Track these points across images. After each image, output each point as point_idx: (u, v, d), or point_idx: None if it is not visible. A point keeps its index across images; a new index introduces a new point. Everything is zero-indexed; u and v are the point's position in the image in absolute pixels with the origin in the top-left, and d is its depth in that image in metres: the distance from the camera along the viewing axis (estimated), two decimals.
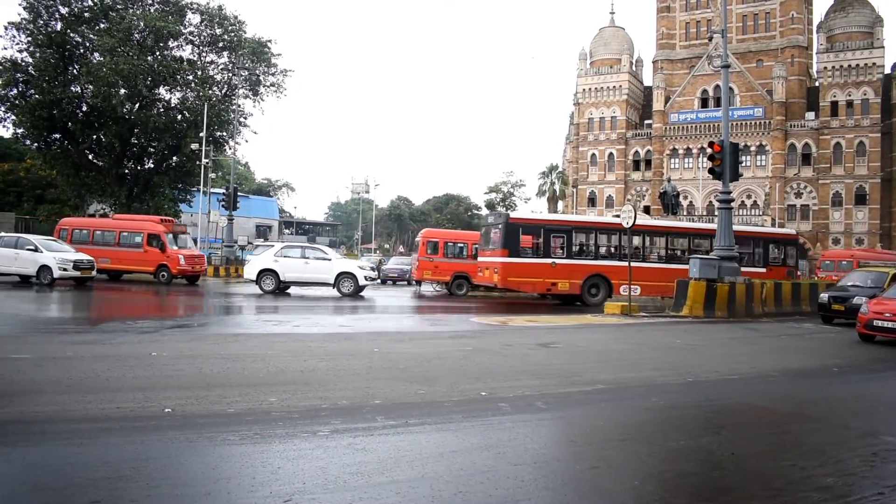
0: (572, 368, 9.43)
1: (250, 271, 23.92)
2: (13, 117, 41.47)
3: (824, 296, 18.34)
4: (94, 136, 44.56)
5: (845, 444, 5.97)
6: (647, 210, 69.14)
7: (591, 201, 76.05)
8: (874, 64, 63.44)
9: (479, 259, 25.27)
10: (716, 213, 27.59)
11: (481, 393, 7.37)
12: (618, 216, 22.56)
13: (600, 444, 5.66)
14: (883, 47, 63.45)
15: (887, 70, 64.98)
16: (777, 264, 25.85)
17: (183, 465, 4.71)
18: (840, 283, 19.35)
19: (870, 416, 7.34)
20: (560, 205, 78.69)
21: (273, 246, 25.21)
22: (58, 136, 43.75)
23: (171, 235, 27.99)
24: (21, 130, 42.73)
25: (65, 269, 22.63)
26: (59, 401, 6.27)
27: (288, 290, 24.40)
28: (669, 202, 49.11)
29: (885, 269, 19.64)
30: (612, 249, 24.16)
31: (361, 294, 24.00)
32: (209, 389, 6.99)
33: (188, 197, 49.69)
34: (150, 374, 7.78)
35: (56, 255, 22.91)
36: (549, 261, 23.06)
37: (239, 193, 45.05)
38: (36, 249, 22.92)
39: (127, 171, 46.61)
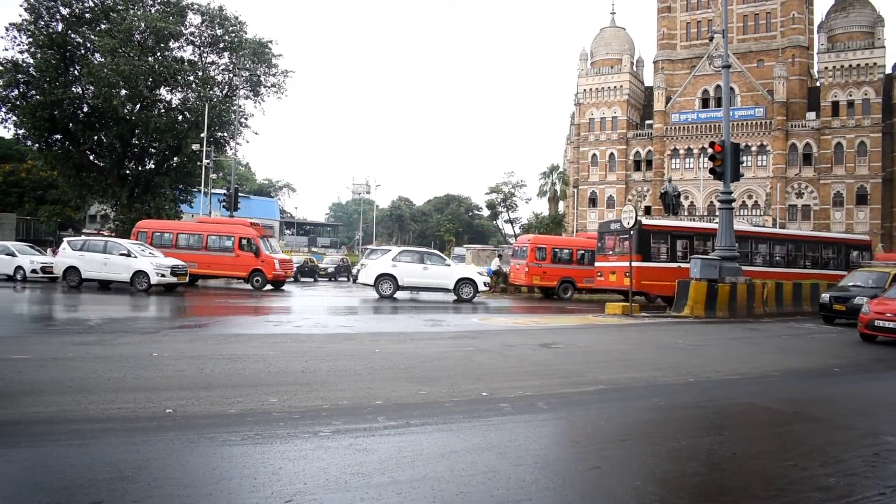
0: (573, 369, 9.43)
1: (367, 275, 23.86)
2: (14, 118, 41.50)
3: (825, 296, 18.34)
4: (95, 137, 44.57)
5: (847, 444, 5.96)
6: (647, 210, 69.12)
7: (592, 201, 76.03)
8: (875, 64, 63.39)
9: (599, 264, 26.08)
10: (717, 213, 27.78)
11: (482, 393, 7.36)
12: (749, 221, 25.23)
13: (602, 445, 5.65)
14: (884, 47, 63.41)
15: (888, 70, 64.92)
16: (855, 267, 27.14)
17: (184, 465, 4.71)
18: (841, 283, 19.35)
19: (871, 416, 7.33)
20: (561, 205, 78.72)
21: (390, 250, 25.32)
22: (59, 136, 43.77)
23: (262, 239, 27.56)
24: (22, 131, 42.77)
25: (163, 276, 22.06)
26: (60, 401, 6.27)
27: (395, 295, 23.95)
28: (670, 202, 49.10)
29: (886, 269, 19.62)
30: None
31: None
32: (210, 390, 7.00)
33: (189, 198, 49.72)
34: (151, 374, 7.78)
35: (153, 260, 22.41)
36: (675, 265, 23.92)
37: (240, 194, 45.08)
38: (129, 254, 22.29)
39: (128, 171, 46.64)
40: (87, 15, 42.12)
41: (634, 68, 76.55)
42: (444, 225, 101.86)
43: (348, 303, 23.11)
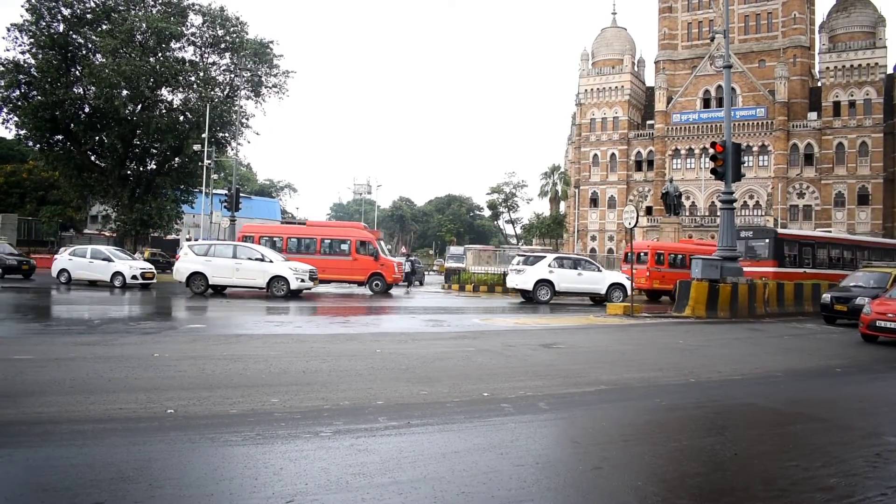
0: (575, 369, 9.42)
1: (525, 281, 24.19)
2: (16, 119, 41.53)
3: (827, 296, 18.31)
4: (97, 138, 44.59)
5: (848, 444, 5.96)
6: (649, 211, 69.12)
7: (594, 202, 76.03)
8: (876, 64, 63.34)
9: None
10: (718, 213, 27.91)
11: (484, 394, 7.36)
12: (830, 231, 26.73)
13: (603, 445, 5.65)
14: (885, 47, 63.37)
15: (890, 70, 64.88)
16: None
17: (185, 465, 4.71)
18: (843, 284, 19.32)
19: (873, 417, 7.32)
20: (562, 205, 78.68)
21: (544, 257, 25.58)
22: (60, 137, 43.79)
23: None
24: (23, 132, 42.80)
25: (302, 281, 21.90)
26: (61, 402, 6.28)
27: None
28: (672, 203, 49.19)
29: (887, 269, 19.59)
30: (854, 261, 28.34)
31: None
32: (211, 390, 7.00)
33: (190, 198, 49.73)
34: (153, 374, 7.79)
35: (292, 265, 22.20)
36: (801, 270, 26.55)
37: (241, 194, 45.05)
38: (263, 259, 22.03)
39: (129, 172, 46.66)
40: (88, 15, 42.16)
41: (636, 68, 76.54)
42: (445, 225, 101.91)
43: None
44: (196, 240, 36.64)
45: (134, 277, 24.93)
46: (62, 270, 25.88)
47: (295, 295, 22.21)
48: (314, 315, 18.13)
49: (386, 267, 26.35)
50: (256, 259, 22.02)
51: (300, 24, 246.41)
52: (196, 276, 21.72)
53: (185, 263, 22.27)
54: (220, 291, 22.77)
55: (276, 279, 21.48)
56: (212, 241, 28.30)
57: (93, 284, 25.71)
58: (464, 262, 49.67)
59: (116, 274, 25.02)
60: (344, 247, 26.92)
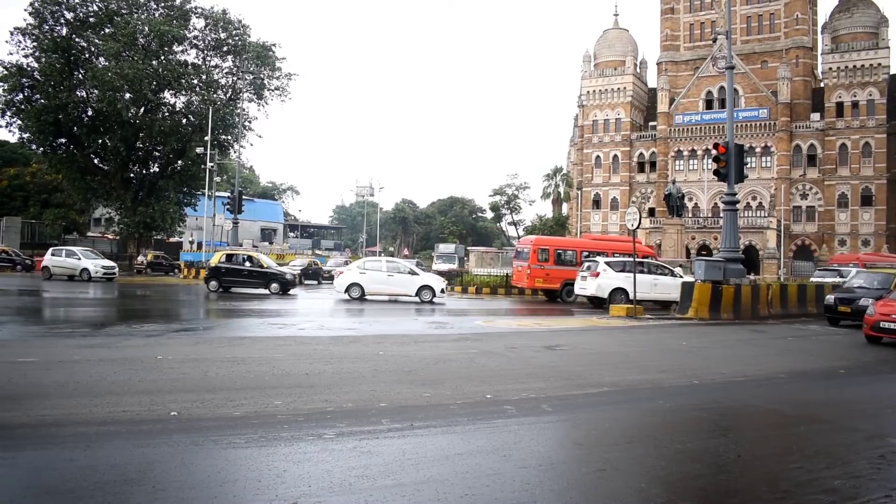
0: (578, 371, 9.42)
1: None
2: (19, 122, 41.69)
3: (830, 297, 18.25)
4: (100, 141, 44.73)
5: (852, 446, 5.94)
6: (651, 212, 69.04)
7: (596, 203, 76.00)
8: (879, 64, 63.23)
9: None
10: (721, 214, 27.84)
11: (486, 396, 7.36)
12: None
13: (606, 447, 5.65)
14: (888, 48, 63.25)
15: (893, 70, 64.72)
16: None
17: (189, 468, 4.72)
18: (846, 285, 19.27)
19: (877, 418, 7.31)
20: (564, 207, 78.63)
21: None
22: (63, 140, 43.93)
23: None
24: (27, 135, 42.96)
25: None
26: (65, 404, 6.29)
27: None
28: (674, 204, 49.10)
29: (891, 270, 19.55)
30: None
31: None
32: (214, 392, 7.01)
33: (193, 201, 49.83)
34: (156, 377, 7.80)
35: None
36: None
37: (244, 197, 45.11)
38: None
39: (132, 175, 46.79)
40: (91, 19, 42.30)
41: (638, 70, 76.51)
42: (447, 227, 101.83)
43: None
44: (197, 243, 37.97)
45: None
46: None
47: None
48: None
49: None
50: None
51: (302, 26, 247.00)
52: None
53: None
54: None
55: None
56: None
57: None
58: (454, 263, 47.99)
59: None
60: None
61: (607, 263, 24.04)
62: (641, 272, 22.30)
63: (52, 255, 32.55)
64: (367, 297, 24.32)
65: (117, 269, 33.32)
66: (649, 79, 79.09)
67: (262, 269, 26.85)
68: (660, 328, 16.60)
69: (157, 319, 16.23)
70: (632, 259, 23.35)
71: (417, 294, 24.18)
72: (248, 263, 27.16)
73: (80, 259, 31.83)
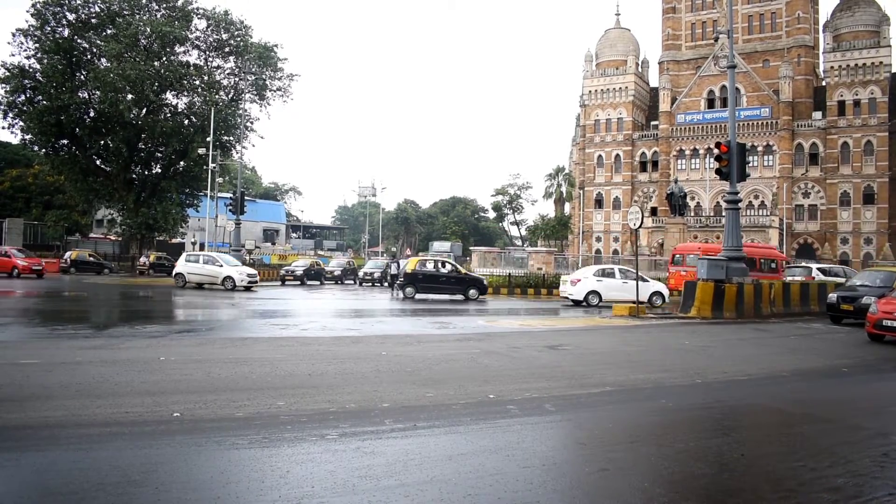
0: (580, 370, 9.41)
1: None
2: (21, 123, 41.71)
3: (833, 296, 18.23)
4: (102, 142, 44.77)
5: (856, 444, 5.93)
6: (654, 212, 68.99)
7: (598, 203, 75.96)
8: (881, 63, 63.18)
9: None
10: (723, 213, 27.82)
11: (489, 395, 7.35)
12: None
13: (609, 446, 5.64)
14: (890, 46, 63.21)
15: (894, 69, 64.67)
16: None
17: (192, 469, 4.72)
18: (849, 283, 19.24)
19: (880, 417, 7.30)
20: (567, 207, 78.60)
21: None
22: (65, 141, 43.96)
23: None
24: (29, 136, 42.98)
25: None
26: (68, 406, 6.29)
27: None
28: (677, 203, 49.07)
29: (893, 268, 19.51)
30: None
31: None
32: (217, 393, 7.01)
33: (195, 201, 49.84)
34: (158, 378, 7.80)
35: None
36: None
37: (246, 198, 45.13)
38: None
39: (134, 176, 46.81)
40: (93, 20, 42.34)
41: (639, 69, 76.51)
42: (449, 227, 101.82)
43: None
44: (199, 244, 37.93)
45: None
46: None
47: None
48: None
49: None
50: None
51: (304, 27, 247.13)
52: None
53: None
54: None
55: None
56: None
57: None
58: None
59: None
60: (773, 265, 29.55)
61: (592, 273, 26.21)
62: (612, 278, 25.62)
63: (187, 260, 31.05)
64: None
65: (258, 277, 32.17)
66: (651, 78, 79.11)
67: (460, 275, 27.60)
68: (662, 327, 16.58)
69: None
70: (606, 267, 27.57)
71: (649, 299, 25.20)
72: (444, 269, 27.54)
73: (221, 266, 30.14)
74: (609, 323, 17.47)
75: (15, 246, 39.01)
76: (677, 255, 32.40)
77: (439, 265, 27.97)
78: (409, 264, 28.24)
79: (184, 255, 32.80)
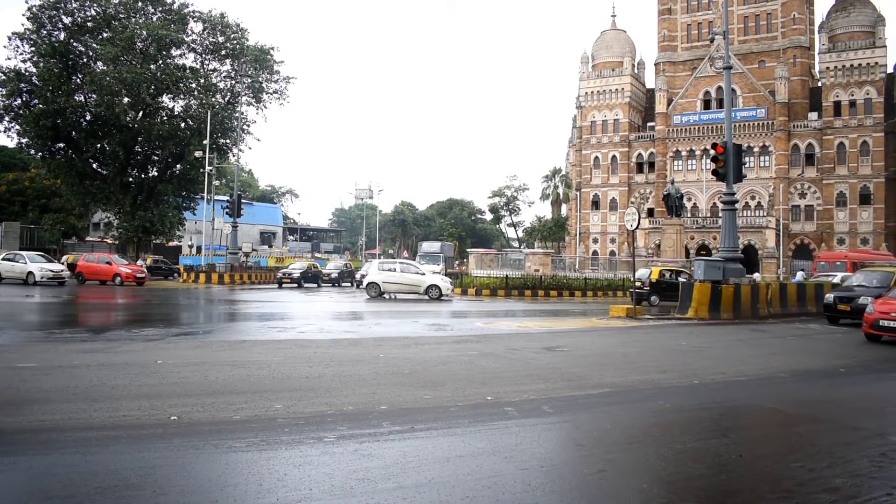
0: (578, 372, 9.41)
1: None
2: (17, 127, 41.68)
3: (830, 296, 18.27)
4: (98, 145, 44.73)
5: (854, 444, 5.94)
6: (651, 213, 69.09)
7: (595, 204, 76.03)
8: (876, 63, 63.36)
9: None
10: (720, 214, 27.88)
11: (487, 397, 7.35)
12: None
13: (607, 448, 5.64)
14: (885, 46, 63.40)
15: (890, 69, 64.90)
16: None
17: (189, 472, 4.71)
18: (845, 284, 19.27)
19: (878, 417, 7.31)
20: (563, 208, 78.68)
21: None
22: (62, 145, 43.91)
23: None
24: (25, 140, 42.95)
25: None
26: (65, 409, 6.27)
27: None
28: (673, 204, 49.20)
29: (890, 268, 19.55)
30: None
31: None
32: (215, 396, 7.00)
33: (192, 204, 49.79)
34: (156, 381, 7.78)
35: None
36: None
37: (243, 200, 45.16)
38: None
39: (131, 179, 46.76)
40: (89, 23, 42.30)
41: (636, 70, 76.60)
42: (447, 229, 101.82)
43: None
44: (196, 247, 38.29)
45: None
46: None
47: None
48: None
49: None
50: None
51: (300, 29, 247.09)
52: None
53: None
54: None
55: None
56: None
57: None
58: (440, 264, 46.67)
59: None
60: None
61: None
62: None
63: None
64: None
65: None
66: (647, 79, 79.23)
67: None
68: (659, 328, 16.60)
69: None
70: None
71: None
72: (680, 278, 27.49)
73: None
74: (606, 324, 17.49)
75: (110, 251, 39.70)
76: (822, 262, 33.40)
77: (675, 274, 29.21)
78: (654, 274, 29.37)
79: None
